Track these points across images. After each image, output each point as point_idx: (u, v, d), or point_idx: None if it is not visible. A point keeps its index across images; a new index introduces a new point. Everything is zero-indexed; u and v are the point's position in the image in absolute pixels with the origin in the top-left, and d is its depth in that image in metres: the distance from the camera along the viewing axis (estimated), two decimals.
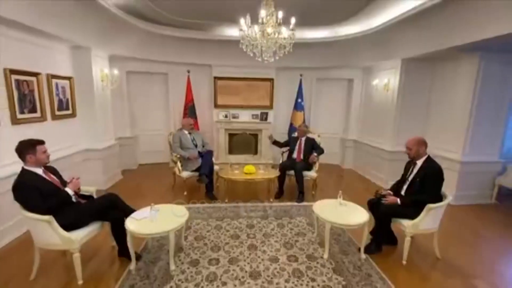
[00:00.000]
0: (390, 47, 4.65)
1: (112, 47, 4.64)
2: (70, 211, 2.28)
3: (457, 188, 4.22)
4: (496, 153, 4.31)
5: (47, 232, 2.12)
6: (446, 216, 3.78)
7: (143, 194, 4.34)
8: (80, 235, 2.23)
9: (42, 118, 3.47)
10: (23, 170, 2.20)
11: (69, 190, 2.32)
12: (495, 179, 4.30)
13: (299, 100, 6.02)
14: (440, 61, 4.50)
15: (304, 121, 5.87)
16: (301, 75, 5.97)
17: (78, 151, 4.19)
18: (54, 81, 3.67)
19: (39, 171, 2.26)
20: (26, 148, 2.17)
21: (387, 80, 4.98)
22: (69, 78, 4.03)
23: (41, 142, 2.25)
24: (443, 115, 4.56)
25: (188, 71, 5.77)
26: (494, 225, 3.59)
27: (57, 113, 3.76)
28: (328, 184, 5.10)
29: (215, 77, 5.93)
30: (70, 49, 4.06)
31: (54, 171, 2.43)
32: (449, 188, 4.26)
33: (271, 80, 6.00)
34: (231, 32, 5.00)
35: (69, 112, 4.05)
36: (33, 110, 3.32)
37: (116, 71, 4.81)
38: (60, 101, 3.83)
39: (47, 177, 2.29)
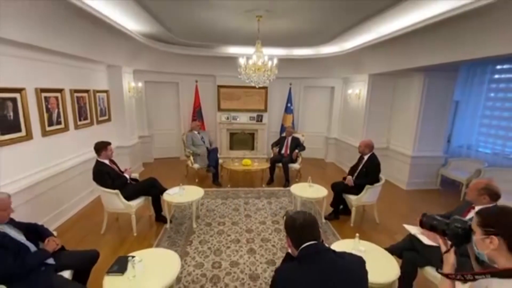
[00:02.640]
0: (360, 64, 5.79)
1: (136, 64, 5.76)
2: (128, 188, 3.47)
3: (409, 176, 5.42)
4: (440, 149, 5.50)
5: (115, 200, 3.32)
6: (397, 197, 5.05)
7: (163, 181, 5.40)
8: (135, 203, 3.43)
9: (91, 123, 4.64)
10: (97, 161, 3.38)
11: (126, 175, 3.52)
12: (439, 170, 5.49)
13: (289, 104, 7.18)
14: (399, 77, 5.65)
15: (292, 123, 7.06)
16: (290, 84, 7.13)
17: (112, 148, 5.34)
18: (97, 94, 4.82)
19: (107, 162, 3.44)
20: (100, 147, 3.36)
21: (358, 90, 6.13)
22: (106, 91, 5.17)
23: (109, 144, 3.43)
24: (400, 119, 5.74)
25: (196, 81, 6.93)
26: (430, 204, 4.77)
27: (99, 119, 4.92)
28: (310, 174, 6.22)
29: (218, 86, 7.07)
30: (106, 68, 5.19)
31: (114, 163, 3.60)
32: (402, 176, 5.50)
33: (265, 88, 7.11)
34: (231, 50, 6.14)
35: (106, 117, 5.21)
36: (86, 118, 4.49)
37: (140, 84, 5.95)
38: (101, 110, 4.98)
39: (112, 166, 3.47)
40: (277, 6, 3.32)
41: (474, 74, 5.50)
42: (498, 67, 5.10)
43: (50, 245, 2.07)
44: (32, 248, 2.01)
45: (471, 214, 2.23)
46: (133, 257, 2.16)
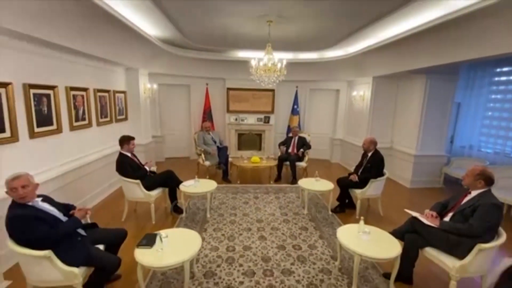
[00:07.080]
0: (364, 67, 6.05)
1: (151, 66, 6.10)
2: (147, 179, 3.73)
3: (412, 175, 5.59)
4: (443, 149, 5.67)
5: (136, 190, 3.58)
6: (401, 194, 5.21)
7: None
8: (154, 193, 3.68)
9: (111, 121, 4.95)
10: (120, 153, 3.66)
11: (146, 167, 3.79)
12: (442, 169, 5.65)
13: (295, 106, 7.44)
14: (401, 79, 5.88)
15: (298, 124, 7.31)
16: (296, 87, 7.41)
17: (135, 143, 5.61)
18: (116, 95, 5.15)
19: (129, 155, 3.72)
20: (124, 141, 3.65)
21: (362, 92, 6.37)
22: (124, 92, 5.50)
23: (133, 138, 3.72)
24: (403, 120, 5.94)
25: (207, 84, 7.24)
26: (432, 200, 4.86)
27: (118, 117, 5.23)
28: (317, 171, 6.47)
29: (227, 88, 7.37)
30: (124, 70, 5.53)
31: (135, 156, 3.88)
32: (406, 174, 5.67)
33: (272, 90, 7.39)
34: (240, 54, 6.45)
35: (124, 117, 5.52)
36: (106, 116, 4.80)
37: (155, 86, 6.28)
38: (119, 109, 5.30)
39: (133, 158, 3.75)
40: (287, 12, 3.61)
41: (474, 77, 5.71)
42: (498, 70, 5.31)
43: (79, 212, 2.28)
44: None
45: (467, 198, 2.43)
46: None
